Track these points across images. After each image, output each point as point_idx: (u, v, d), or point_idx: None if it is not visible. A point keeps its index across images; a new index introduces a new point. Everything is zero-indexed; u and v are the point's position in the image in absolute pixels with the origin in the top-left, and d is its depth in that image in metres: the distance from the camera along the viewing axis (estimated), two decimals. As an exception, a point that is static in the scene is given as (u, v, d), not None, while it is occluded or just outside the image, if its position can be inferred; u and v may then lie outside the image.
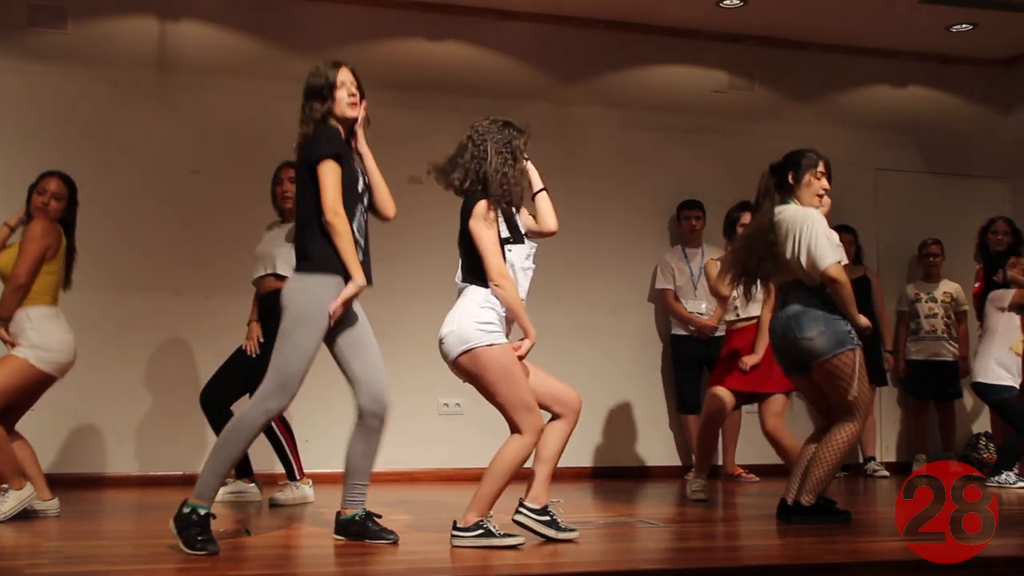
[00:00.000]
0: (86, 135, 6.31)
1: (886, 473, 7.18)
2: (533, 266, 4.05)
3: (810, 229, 4.42)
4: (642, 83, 7.53)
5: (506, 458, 3.84)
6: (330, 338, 3.96)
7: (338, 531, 4.06)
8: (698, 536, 4.47)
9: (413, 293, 6.43)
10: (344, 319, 3.93)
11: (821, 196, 4.61)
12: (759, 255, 4.53)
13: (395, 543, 3.93)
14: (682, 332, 7.10)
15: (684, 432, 7.13)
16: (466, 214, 3.93)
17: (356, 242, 3.90)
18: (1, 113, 6.31)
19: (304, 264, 3.91)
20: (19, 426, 4.75)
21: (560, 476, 6.89)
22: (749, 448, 6.97)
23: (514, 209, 4.01)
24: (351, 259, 3.84)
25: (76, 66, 6.45)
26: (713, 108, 7.59)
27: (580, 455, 7.07)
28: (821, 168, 4.61)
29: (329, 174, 3.84)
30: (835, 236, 4.51)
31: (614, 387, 7.21)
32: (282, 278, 5.07)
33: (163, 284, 6.43)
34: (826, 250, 4.40)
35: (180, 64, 6.62)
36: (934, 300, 7.44)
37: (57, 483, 5.00)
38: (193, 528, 3.66)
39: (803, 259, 4.42)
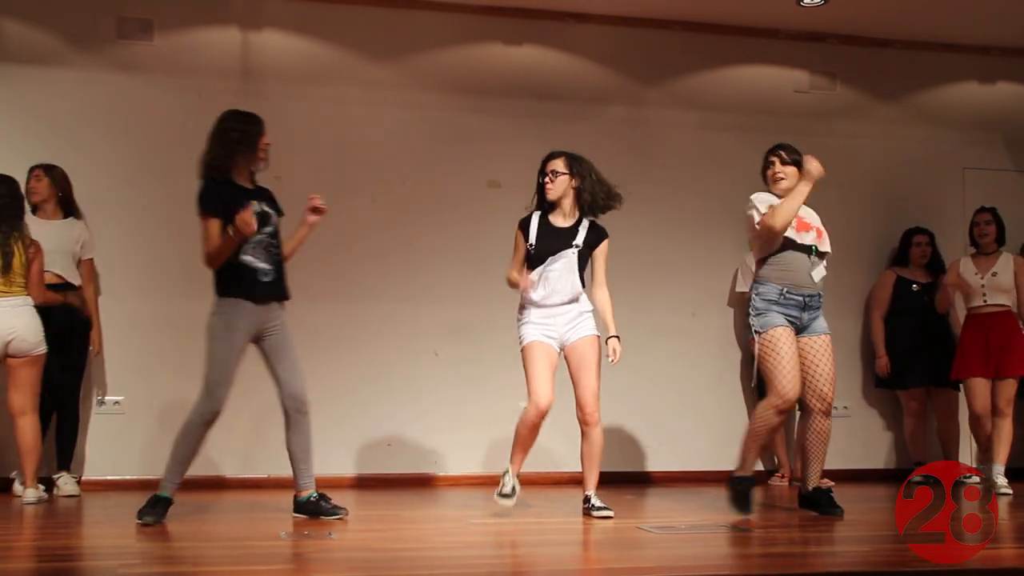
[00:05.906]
0: (172, 143, 6.41)
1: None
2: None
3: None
4: (721, 84, 7.45)
5: None
6: (258, 347, 4.66)
7: (296, 510, 4.71)
8: (785, 542, 4.40)
9: (494, 297, 6.41)
10: (267, 332, 4.63)
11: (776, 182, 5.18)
12: None
13: (344, 519, 4.60)
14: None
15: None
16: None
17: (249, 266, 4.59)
18: (90, 123, 6.48)
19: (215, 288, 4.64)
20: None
21: (636, 479, 6.89)
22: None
23: None
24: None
25: (162, 76, 6.59)
26: (794, 108, 7.48)
27: (656, 459, 7.03)
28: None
29: None
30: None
31: (692, 391, 7.14)
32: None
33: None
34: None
35: (262, 72, 6.73)
36: None
37: (150, 487, 5.07)
38: (156, 507, 4.47)
39: None
